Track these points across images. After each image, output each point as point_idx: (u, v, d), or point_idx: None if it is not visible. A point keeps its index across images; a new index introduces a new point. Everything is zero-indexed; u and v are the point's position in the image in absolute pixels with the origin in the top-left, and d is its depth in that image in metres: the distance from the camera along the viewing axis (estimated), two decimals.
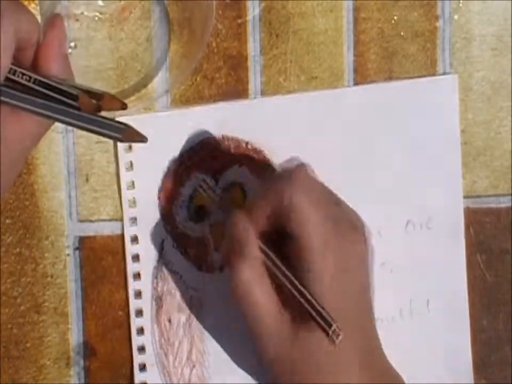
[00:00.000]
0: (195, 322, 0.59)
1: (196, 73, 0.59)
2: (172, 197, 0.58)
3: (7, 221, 0.59)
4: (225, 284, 0.56)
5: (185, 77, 0.55)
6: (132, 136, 0.46)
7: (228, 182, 0.59)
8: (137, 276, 0.58)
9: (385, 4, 0.59)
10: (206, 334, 0.59)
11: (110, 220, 0.59)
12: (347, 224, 0.52)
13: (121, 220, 0.59)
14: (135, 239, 0.58)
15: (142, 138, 0.46)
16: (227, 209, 0.57)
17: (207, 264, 0.59)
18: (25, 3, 0.54)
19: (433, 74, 0.59)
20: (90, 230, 0.59)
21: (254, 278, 0.51)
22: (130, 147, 0.58)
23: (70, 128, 0.59)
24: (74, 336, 0.59)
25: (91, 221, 0.59)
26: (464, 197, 0.60)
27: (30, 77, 0.46)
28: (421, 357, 0.59)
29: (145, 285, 0.59)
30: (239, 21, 0.59)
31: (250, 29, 0.59)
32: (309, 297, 0.50)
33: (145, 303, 0.59)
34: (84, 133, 0.58)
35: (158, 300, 0.59)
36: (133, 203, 0.59)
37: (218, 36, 0.59)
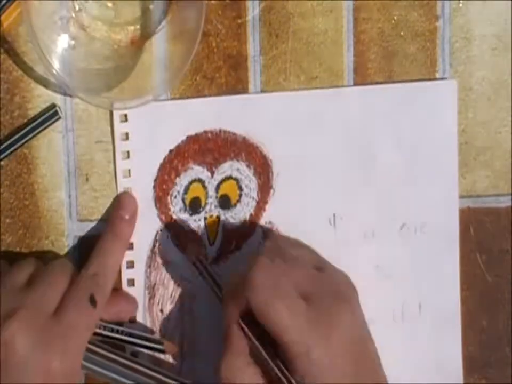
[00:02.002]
0: (187, 314, 0.59)
1: (196, 73, 0.59)
2: (167, 188, 0.59)
3: (7, 221, 0.59)
4: (219, 277, 0.58)
5: (182, 75, 0.55)
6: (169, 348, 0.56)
7: (223, 175, 0.59)
8: (130, 264, 0.59)
9: (385, 4, 0.59)
10: (198, 325, 0.59)
11: None
12: (328, 298, 0.51)
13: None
14: None
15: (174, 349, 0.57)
16: (221, 202, 0.58)
17: (201, 256, 0.59)
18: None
19: (434, 74, 0.59)
20: (90, 229, 0.59)
21: (239, 368, 0.50)
22: (127, 136, 0.58)
23: (70, 127, 0.59)
24: None
25: (91, 221, 0.59)
26: (464, 197, 0.60)
27: (113, 329, 0.55)
28: (412, 360, 0.59)
29: (138, 273, 0.59)
30: (239, 21, 0.59)
31: (250, 29, 0.59)
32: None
33: (138, 291, 0.59)
34: (84, 132, 0.59)
35: (151, 289, 0.59)
36: (129, 191, 0.59)
37: (218, 35, 0.59)
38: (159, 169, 0.59)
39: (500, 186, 0.60)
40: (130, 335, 0.56)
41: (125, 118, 0.58)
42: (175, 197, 0.59)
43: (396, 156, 0.59)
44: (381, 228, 0.59)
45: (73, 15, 0.57)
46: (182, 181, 0.59)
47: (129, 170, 0.59)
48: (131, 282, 0.59)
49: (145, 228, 0.59)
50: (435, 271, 0.59)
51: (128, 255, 0.58)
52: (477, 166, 0.60)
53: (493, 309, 0.60)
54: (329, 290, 0.52)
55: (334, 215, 0.59)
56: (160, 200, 0.59)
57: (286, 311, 0.49)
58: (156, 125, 0.58)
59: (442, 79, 0.59)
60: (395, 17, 0.59)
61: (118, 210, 0.58)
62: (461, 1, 0.59)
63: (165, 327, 0.59)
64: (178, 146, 0.58)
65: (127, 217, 0.57)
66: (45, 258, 0.58)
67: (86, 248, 0.59)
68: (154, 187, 0.59)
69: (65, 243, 0.59)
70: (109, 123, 0.59)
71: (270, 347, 0.50)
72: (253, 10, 0.59)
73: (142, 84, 0.57)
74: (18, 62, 0.58)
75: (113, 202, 0.59)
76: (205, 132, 0.58)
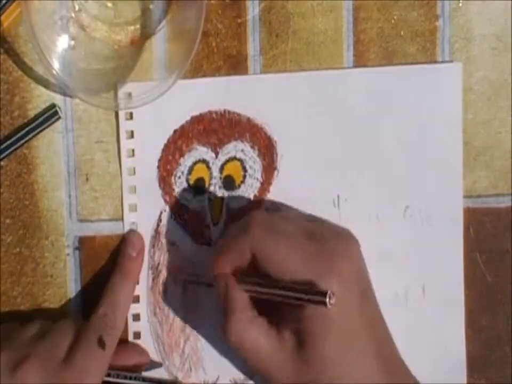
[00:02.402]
0: (191, 293, 0.59)
1: (196, 73, 0.59)
2: (171, 168, 0.59)
3: (7, 221, 0.59)
4: None
5: (182, 75, 0.55)
6: None
7: (228, 156, 0.59)
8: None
9: (385, 4, 0.59)
10: (202, 305, 0.59)
11: (110, 220, 0.59)
12: (332, 236, 0.52)
13: (121, 192, 0.59)
14: (133, 207, 0.59)
15: None
16: (225, 183, 0.58)
17: (205, 237, 0.59)
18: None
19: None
20: (90, 230, 0.59)
21: (242, 327, 0.51)
22: (131, 115, 0.58)
23: (70, 127, 0.59)
24: None
25: (91, 221, 0.59)
26: (464, 197, 0.60)
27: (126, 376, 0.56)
28: (415, 343, 0.59)
29: None
30: (239, 20, 0.59)
31: (250, 28, 0.59)
32: (298, 288, 0.50)
33: (142, 271, 0.59)
34: (84, 132, 0.59)
35: (154, 269, 0.59)
36: (133, 171, 0.59)
37: (218, 35, 0.59)
38: (163, 150, 0.58)
39: (500, 186, 0.60)
40: (143, 379, 0.57)
41: (129, 97, 0.58)
42: (179, 177, 0.59)
43: (400, 138, 0.59)
44: (385, 210, 0.59)
45: (73, 15, 0.57)
46: (186, 162, 0.59)
47: (133, 150, 0.58)
48: None
49: (149, 208, 0.59)
50: (439, 254, 0.59)
51: None
52: (477, 166, 0.60)
53: (493, 309, 0.60)
54: (332, 231, 0.53)
55: (338, 196, 0.59)
56: (164, 180, 0.59)
57: (285, 245, 0.51)
58: (160, 104, 0.57)
59: (447, 62, 0.59)
60: (395, 17, 0.59)
61: (125, 249, 0.58)
62: (461, 1, 0.59)
63: (169, 308, 0.59)
64: (182, 127, 0.58)
65: (134, 255, 0.58)
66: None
67: (86, 249, 0.59)
68: (158, 167, 0.59)
69: (65, 243, 0.59)
70: (109, 123, 0.59)
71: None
72: (253, 10, 0.59)
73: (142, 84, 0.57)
74: (18, 62, 0.58)
75: (121, 240, 0.59)
76: (210, 112, 0.58)
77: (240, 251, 0.52)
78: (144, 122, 0.58)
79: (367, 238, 0.58)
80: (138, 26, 0.58)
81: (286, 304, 0.51)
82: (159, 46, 0.58)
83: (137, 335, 0.59)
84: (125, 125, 0.58)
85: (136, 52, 0.58)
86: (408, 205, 0.59)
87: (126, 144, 0.58)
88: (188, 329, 0.59)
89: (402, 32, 0.59)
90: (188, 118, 0.58)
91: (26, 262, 0.59)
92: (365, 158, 0.59)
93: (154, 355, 0.59)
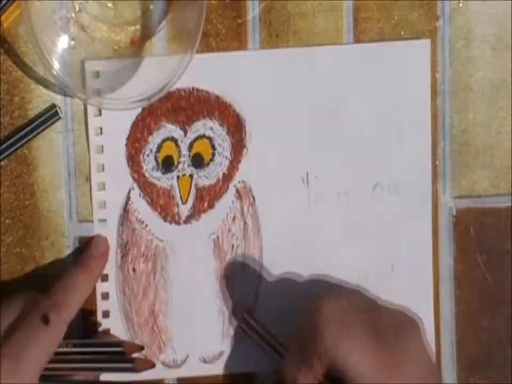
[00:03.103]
0: (159, 272, 0.59)
1: None
2: (139, 146, 0.58)
3: (7, 221, 0.59)
4: (191, 236, 0.58)
5: (180, 74, 0.55)
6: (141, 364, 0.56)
7: (196, 134, 0.59)
8: (103, 221, 0.59)
9: (385, 4, 0.59)
10: (170, 284, 0.59)
11: None
12: (394, 328, 0.52)
13: (89, 170, 0.58)
14: (101, 185, 0.58)
15: (151, 365, 0.57)
16: (194, 161, 0.58)
17: (174, 215, 0.59)
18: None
19: (434, 75, 0.59)
20: (90, 230, 0.59)
21: None
22: (99, 92, 0.57)
23: (70, 128, 0.59)
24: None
25: (91, 221, 0.59)
26: (464, 197, 0.60)
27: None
28: None
29: (110, 231, 0.59)
30: (239, 21, 0.59)
31: (250, 29, 0.59)
32: None
33: (111, 250, 0.59)
34: (84, 133, 0.59)
35: (123, 248, 0.59)
36: (101, 149, 0.58)
37: (218, 35, 0.59)
38: (132, 127, 0.58)
39: (500, 186, 0.60)
40: (94, 345, 0.56)
41: (97, 75, 0.57)
42: (148, 155, 0.59)
43: (369, 115, 0.59)
44: (354, 187, 0.59)
45: (73, 15, 0.57)
46: (155, 139, 0.58)
47: (101, 128, 0.58)
48: None
49: (118, 186, 0.59)
50: (408, 231, 0.59)
51: (100, 213, 0.59)
52: (477, 166, 0.60)
53: (493, 309, 0.60)
54: (392, 321, 0.53)
55: (307, 174, 0.59)
56: (133, 158, 0.59)
57: (359, 353, 0.50)
58: (128, 82, 0.57)
59: (415, 38, 0.59)
60: (395, 17, 0.59)
61: (89, 248, 0.58)
62: (461, 1, 0.59)
63: (137, 286, 0.59)
64: (151, 104, 0.58)
65: (96, 254, 0.57)
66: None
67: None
68: (126, 145, 0.58)
69: (65, 243, 0.59)
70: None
71: None
72: (253, 10, 0.59)
73: (142, 84, 0.57)
74: (18, 62, 0.58)
75: (87, 242, 0.59)
76: (178, 90, 0.58)
77: (313, 362, 0.52)
78: (112, 99, 0.57)
79: (337, 215, 0.59)
80: (138, 26, 0.58)
81: None
82: (159, 46, 0.58)
83: (106, 313, 0.59)
84: (91, 84, 0.58)
85: (136, 52, 0.58)
86: (378, 182, 0.59)
87: (93, 122, 0.58)
88: (157, 307, 0.59)
89: (402, 32, 0.59)
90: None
91: (26, 262, 0.59)
92: (334, 136, 0.59)
93: (123, 333, 0.59)
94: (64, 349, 0.54)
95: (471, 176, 0.60)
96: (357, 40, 0.59)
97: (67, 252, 0.59)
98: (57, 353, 0.54)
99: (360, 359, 0.50)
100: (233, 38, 0.59)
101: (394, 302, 0.58)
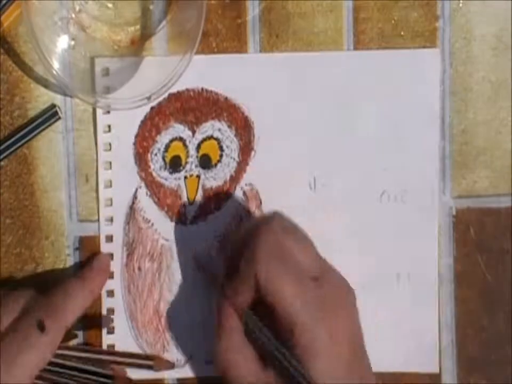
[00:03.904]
0: (164, 272, 0.59)
1: None
2: (147, 144, 0.58)
3: (7, 221, 0.59)
4: (197, 236, 0.58)
5: (180, 74, 0.55)
6: (161, 364, 0.57)
7: (205, 135, 0.59)
8: (109, 220, 0.59)
9: (385, 4, 0.59)
10: (175, 284, 0.59)
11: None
12: (334, 285, 0.51)
13: (96, 167, 0.59)
14: (108, 183, 0.59)
15: (171, 366, 0.58)
16: (202, 162, 0.58)
17: (180, 215, 0.59)
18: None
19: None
20: (90, 230, 0.59)
21: (230, 347, 0.50)
22: (108, 90, 0.58)
23: (70, 128, 0.59)
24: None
25: (91, 221, 0.59)
26: (464, 197, 0.60)
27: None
28: (387, 330, 0.59)
29: (117, 230, 0.59)
30: (239, 21, 0.59)
31: (250, 29, 0.59)
32: (294, 362, 0.49)
33: (116, 248, 0.59)
34: (84, 133, 0.59)
35: (129, 246, 0.59)
36: (108, 147, 0.59)
37: (218, 35, 0.59)
38: (140, 126, 0.58)
39: (500, 186, 0.60)
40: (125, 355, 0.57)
41: (106, 73, 0.58)
42: (156, 154, 0.59)
43: (378, 122, 0.59)
44: (361, 194, 0.59)
45: (74, 15, 0.57)
46: (163, 139, 0.59)
47: (109, 126, 0.58)
48: (109, 239, 0.59)
49: (125, 185, 0.59)
50: (414, 240, 0.59)
51: (107, 211, 0.59)
52: (477, 166, 0.60)
53: (493, 309, 0.60)
54: (335, 278, 0.52)
55: (314, 179, 0.59)
56: (141, 157, 0.59)
57: (293, 285, 0.49)
58: (137, 81, 0.57)
59: (425, 47, 0.59)
60: (395, 18, 0.59)
61: (91, 261, 0.58)
62: (461, 1, 0.59)
63: (142, 285, 0.59)
64: (159, 104, 0.58)
65: (97, 268, 0.57)
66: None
67: (85, 249, 0.59)
68: (134, 144, 0.59)
69: (65, 243, 0.59)
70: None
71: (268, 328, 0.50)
72: (253, 10, 0.59)
73: (142, 84, 0.57)
74: (18, 62, 0.58)
75: (88, 257, 0.59)
76: (187, 90, 0.58)
77: (246, 282, 0.51)
78: (121, 97, 0.57)
79: (342, 221, 0.58)
80: (138, 26, 0.58)
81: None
82: (159, 46, 0.58)
83: (110, 311, 0.59)
84: (100, 82, 0.58)
85: (136, 52, 0.58)
86: (385, 190, 0.59)
87: (102, 119, 0.58)
88: (162, 307, 0.59)
89: (402, 33, 0.59)
90: (165, 95, 0.58)
91: (26, 262, 0.59)
92: (343, 142, 0.59)
93: (127, 332, 0.59)
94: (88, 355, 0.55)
95: (471, 176, 0.60)
96: (357, 40, 0.59)
97: (67, 251, 0.59)
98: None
99: (292, 295, 0.49)
100: (233, 38, 0.59)
101: (399, 310, 0.58)
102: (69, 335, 0.55)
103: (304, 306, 0.49)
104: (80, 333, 0.59)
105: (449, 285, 0.60)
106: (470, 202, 0.60)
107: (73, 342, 0.58)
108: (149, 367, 0.56)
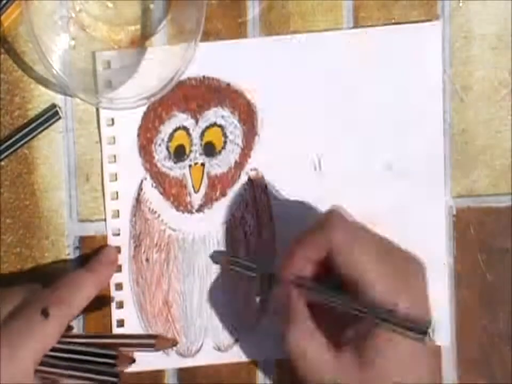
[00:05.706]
0: (172, 262, 0.59)
1: None
2: (151, 135, 0.59)
3: (7, 221, 0.59)
4: (204, 224, 0.58)
5: (180, 74, 0.55)
6: (163, 343, 0.56)
7: (208, 122, 0.59)
8: (115, 213, 0.59)
9: (385, 4, 0.59)
10: (184, 273, 0.59)
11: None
12: (407, 258, 0.52)
13: (101, 161, 0.59)
14: (114, 176, 0.59)
15: (172, 343, 0.58)
16: (206, 150, 0.58)
17: (186, 204, 0.59)
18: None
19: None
20: (90, 230, 0.59)
21: (302, 335, 0.51)
22: (110, 83, 0.58)
23: (70, 127, 0.59)
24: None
25: (91, 221, 0.59)
26: (464, 197, 0.60)
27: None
28: None
29: (123, 223, 0.59)
30: (239, 20, 0.59)
31: (250, 28, 0.59)
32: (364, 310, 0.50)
33: (123, 241, 0.59)
34: (84, 132, 0.59)
35: (136, 238, 0.59)
36: (113, 140, 0.59)
37: (218, 35, 0.59)
38: (143, 117, 0.58)
39: (500, 186, 0.60)
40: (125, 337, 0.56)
41: (108, 65, 0.58)
42: (160, 145, 0.59)
43: (380, 100, 0.59)
44: (367, 174, 0.59)
45: (74, 15, 0.57)
46: (166, 129, 0.59)
47: (112, 119, 0.58)
48: (116, 232, 0.59)
49: (130, 177, 0.59)
50: (419, 217, 0.59)
51: (113, 205, 0.59)
52: (477, 166, 0.60)
53: (493, 309, 0.60)
54: (405, 253, 0.52)
55: (319, 160, 0.59)
56: (145, 148, 0.59)
57: (364, 248, 0.50)
58: (139, 71, 0.57)
59: (427, 20, 0.59)
60: (395, 17, 0.59)
61: (98, 254, 0.58)
62: (461, 1, 0.59)
63: (151, 276, 0.59)
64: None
65: (104, 261, 0.58)
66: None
67: (86, 249, 0.59)
68: (138, 135, 0.59)
69: (65, 243, 0.59)
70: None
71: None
72: (253, 10, 0.59)
73: (143, 84, 0.57)
74: (18, 62, 0.58)
75: (96, 249, 0.59)
76: (189, 79, 0.58)
77: (317, 245, 0.51)
78: (123, 89, 0.57)
79: (348, 200, 0.58)
80: (138, 26, 0.58)
81: (346, 318, 0.51)
82: (159, 45, 0.58)
83: (119, 304, 0.59)
84: (102, 75, 0.58)
85: (136, 51, 0.58)
86: (389, 166, 0.59)
87: (105, 113, 0.58)
88: (171, 297, 0.59)
89: None
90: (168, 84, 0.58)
91: (26, 262, 0.59)
92: (345, 121, 0.59)
93: (137, 324, 0.59)
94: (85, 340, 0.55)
95: (471, 176, 0.60)
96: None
97: (67, 251, 0.59)
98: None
99: (365, 257, 0.50)
100: (233, 38, 0.59)
101: None
102: (67, 327, 0.54)
103: (377, 272, 0.49)
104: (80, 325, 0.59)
105: (449, 285, 0.60)
106: (470, 201, 0.60)
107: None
108: (151, 346, 0.55)
